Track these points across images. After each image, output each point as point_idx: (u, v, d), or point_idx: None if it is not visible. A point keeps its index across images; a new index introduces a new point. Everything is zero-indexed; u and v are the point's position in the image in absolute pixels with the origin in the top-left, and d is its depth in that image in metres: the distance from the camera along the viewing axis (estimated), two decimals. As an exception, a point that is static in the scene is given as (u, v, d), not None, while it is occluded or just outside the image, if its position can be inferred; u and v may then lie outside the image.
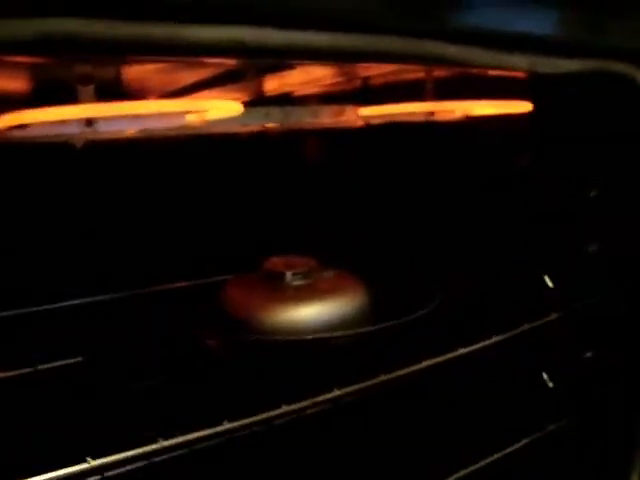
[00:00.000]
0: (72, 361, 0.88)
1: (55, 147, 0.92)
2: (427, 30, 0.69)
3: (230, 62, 0.82)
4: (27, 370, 0.84)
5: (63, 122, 0.70)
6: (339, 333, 0.84)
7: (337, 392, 0.76)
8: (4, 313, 0.95)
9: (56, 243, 1.05)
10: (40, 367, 0.85)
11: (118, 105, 0.66)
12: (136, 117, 0.75)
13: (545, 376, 1.03)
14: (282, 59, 0.67)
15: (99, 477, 0.66)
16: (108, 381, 0.84)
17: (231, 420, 0.69)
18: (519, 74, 0.85)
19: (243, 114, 0.75)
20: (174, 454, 0.69)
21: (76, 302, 1.02)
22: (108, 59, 0.79)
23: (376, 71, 0.90)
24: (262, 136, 1.22)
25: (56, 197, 1.07)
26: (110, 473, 0.67)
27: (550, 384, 1.02)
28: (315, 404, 0.74)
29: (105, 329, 0.95)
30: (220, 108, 0.67)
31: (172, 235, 1.15)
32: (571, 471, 0.96)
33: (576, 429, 0.97)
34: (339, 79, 0.97)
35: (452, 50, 0.72)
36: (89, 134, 0.87)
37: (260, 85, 1.01)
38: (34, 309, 0.97)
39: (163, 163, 1.15)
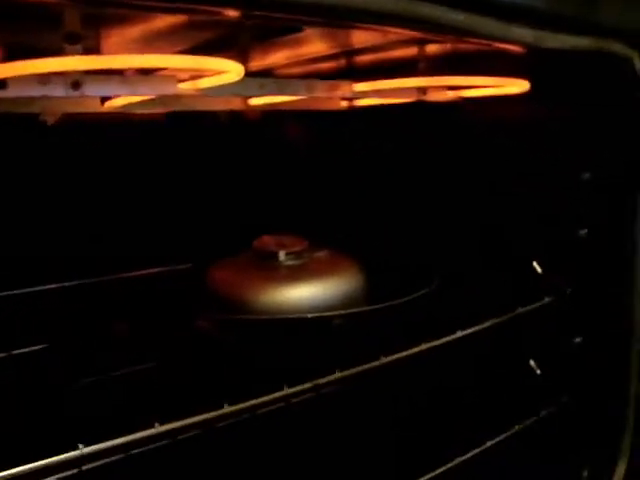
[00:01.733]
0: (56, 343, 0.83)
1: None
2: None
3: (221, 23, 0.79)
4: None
5: (47, 82, 0.64)
6: (342, 312, 0.81)
7: (338, 374, 0.73)
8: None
9: (41, 225, 1.01)
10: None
11: (112, 58, 0.61)
12: (125, 81, 0.70)
13: (533, 363, 1.02)
14: (295, 14, 0.63)
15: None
16: (103, 363, 0.79)
17: (231, 404, 0.65)
18: (518, 49, 0.83)
19: (236, 84, 0.71)
20: (164, 442, 0.64)
21: (62, 285, 0.98)
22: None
23: (369, 41, 0.86)
24: (246, 118, 1.20)
25: (36, 176, 1.02)
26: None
27: (538, 371, 1.01)
28: (317, 386, 0.71)
29: (92, 312, 0.90)
30: (224, 66, 0.62)
31: (157, 219, 1.11)
32: (564, 455, 0.94)
33: (568, 414, 0.95)
34: (326, 54, 0.93)
35: (460, 17, 0.70)
36: (70, 103, 0.83)
37: (244, 61, 0.97)
38: (22, 291, 0.93)
39: (142, 144, 1.11)
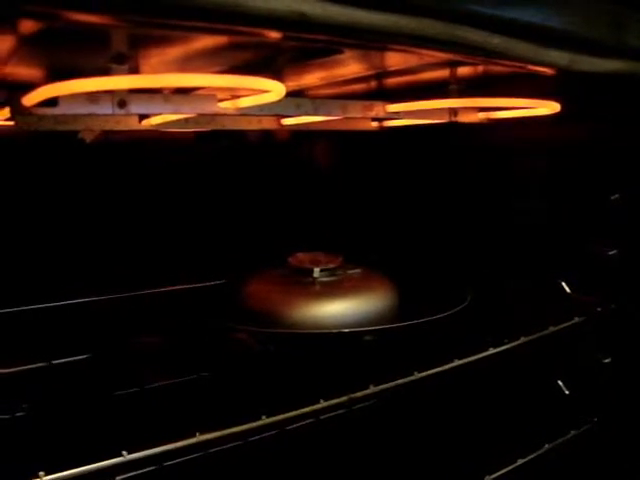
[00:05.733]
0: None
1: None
2: (472, 17, 0.68)
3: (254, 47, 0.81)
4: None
5: (96, 100, 0.66)
6: (377, 327, 0.82)
7: (373, 388, 0.73)
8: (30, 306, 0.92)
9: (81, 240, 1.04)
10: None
11: (161, 77, 0.63)
12: (167, 100, 0.72)
13: (561, 383, 1.02)
14: (335, 36, 0.65)
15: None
16: (141, 375, 0.81)
17: (269, 416, 0.66)
18: (549, 72, 0.85)
19: (274, 104, 0.73)
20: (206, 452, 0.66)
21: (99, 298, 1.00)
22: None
23: (403, 63, 0.88)
24: (275, 138, 1.23)
25: (77, 193, 1.06)
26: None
27: (566, 391, 1.01)
28: (352, 400, 0.72)
29: (131, 324, 0.93)
30: (267, 86, 0.64)
31: (193, 236, 1.14)
32: (595, 475, 0.94)
33: (598, 435, 0.95)
34: (359, 75, 0.95)
35: (498, 41, 0.71)
36: (110, 121, 0.85)
37: (280, 81, 0.99)
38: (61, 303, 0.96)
39: (175, 162, 1.14)
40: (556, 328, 0.91)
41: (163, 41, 0.82)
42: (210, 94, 0.74)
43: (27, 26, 0.59)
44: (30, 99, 0.63)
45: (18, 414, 0.72)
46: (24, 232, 1.01)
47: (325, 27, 0.59)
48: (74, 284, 1.01)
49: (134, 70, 0.84)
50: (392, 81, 1.03)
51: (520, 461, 0.87)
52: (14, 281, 0.98)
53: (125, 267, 1.07)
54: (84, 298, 1.02)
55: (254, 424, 0.64)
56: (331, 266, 0.92)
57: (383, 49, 0.74)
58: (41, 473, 0.54)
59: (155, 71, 0.91)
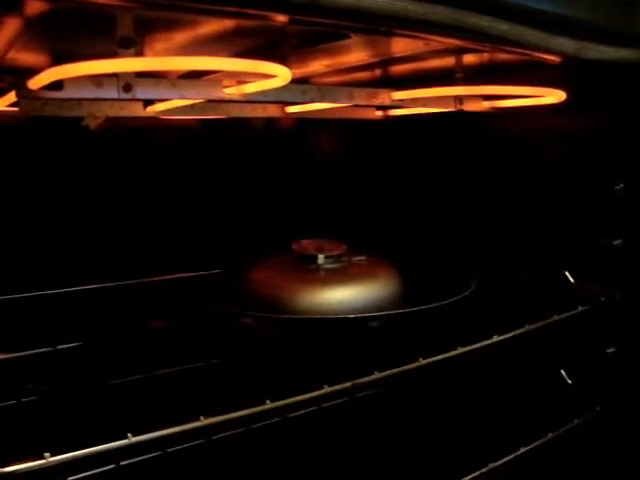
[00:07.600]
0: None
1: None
2: (480, 3, 0.68)
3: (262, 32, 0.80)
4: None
5: (101, 84, 0.66)
6: (384, 312, 0.82)
7: (378, 374, 0.73)
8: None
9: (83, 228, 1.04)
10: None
11: (171, 60, 0.62)
12: (173, 85, 0.72)
13: (563, 373, 1.02)
14: (342, 20, 0.64)
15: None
16: (145, 361, 0.81)
17: (274, 400, 0.66)
18: (555, 60, 0.84)
19: (281, 90, 0.73)
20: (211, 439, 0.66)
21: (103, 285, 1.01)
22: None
23: (410, 50, 0.87)
24: (280, 126, 1.23)
25: (77, 181, 1.06)
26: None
27: (569, 380, 1.01)
28: (356, 386, 0.72)
29: (137, 311, 0.93)
30: (274, 70, 0.64)
31: (198, 223, 1.15)
32: (598, 464, 0.94)
33: (601, 424, 0.95)
34: (364, 63, 0.95)
35: (505, 27, 0.71)
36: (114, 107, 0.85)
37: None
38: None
39: (178, 150, 1.14)
40: (560, 317, 0.91)
41: (168, 26, 0.82)
42: (216, 80, 0.74)
43: (34, 8, 0.59)
44: (36, 82, 0.62)
45: (24, 399, 0.73)
46: (30, 220, 1.01)
47: (332, 11, 0.59)
48: (79, 271, 1.02)
49: (140, 55, 0.84)
50: (397, 69, 1.03)
51: (523, 449, 0.87)
52: (19, 268, 0.98)
53: (130, 254, 1.07)
54: (89, 285, 1.02)
55: (259, 408, 0.64)
56: (335, 253, 0.92)
57: (391, 34, 0.73)
58: (46, 454, 0.54)
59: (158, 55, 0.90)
